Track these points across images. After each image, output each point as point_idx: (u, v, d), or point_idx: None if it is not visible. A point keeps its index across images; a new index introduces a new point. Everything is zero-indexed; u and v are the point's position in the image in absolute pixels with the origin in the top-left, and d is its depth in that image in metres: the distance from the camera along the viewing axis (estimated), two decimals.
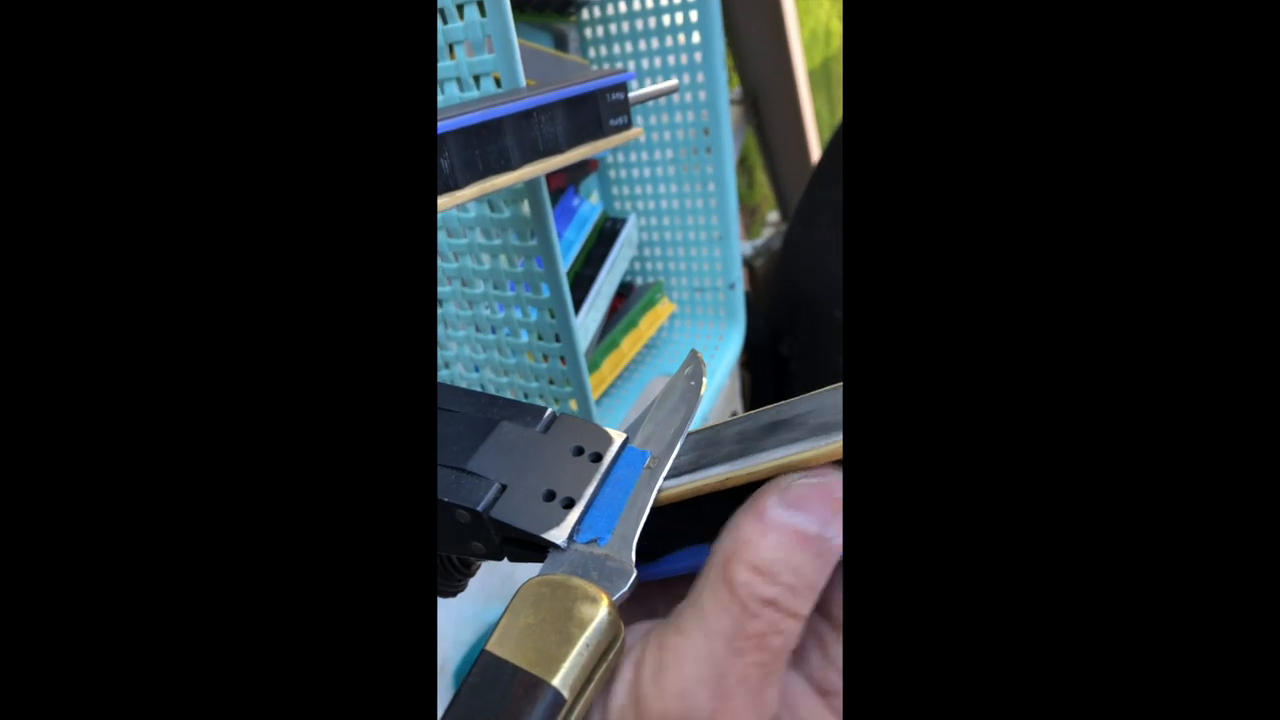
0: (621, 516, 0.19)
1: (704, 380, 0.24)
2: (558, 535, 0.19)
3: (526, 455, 0.21)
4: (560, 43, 0.56)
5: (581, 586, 0.17)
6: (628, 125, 0.34)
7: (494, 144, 0.28)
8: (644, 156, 0.64)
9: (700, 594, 0.17)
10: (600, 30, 0.59)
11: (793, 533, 0.16)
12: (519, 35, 0.32)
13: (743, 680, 0.15)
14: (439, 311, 0.44)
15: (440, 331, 0.45)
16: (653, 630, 0.18)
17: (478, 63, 0.33)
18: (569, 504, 0.20)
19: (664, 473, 0.21)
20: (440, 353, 0.46)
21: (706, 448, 0.20)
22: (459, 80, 0.34)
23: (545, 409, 0.22)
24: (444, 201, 0.27)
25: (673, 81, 0.38)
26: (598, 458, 0.21)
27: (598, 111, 0.32)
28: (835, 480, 0.17)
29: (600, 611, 0.17)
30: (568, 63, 0.52)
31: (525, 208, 0.36)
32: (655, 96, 0.37)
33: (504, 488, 0.20)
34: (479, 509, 0.19)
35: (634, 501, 0.20)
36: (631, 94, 0.35)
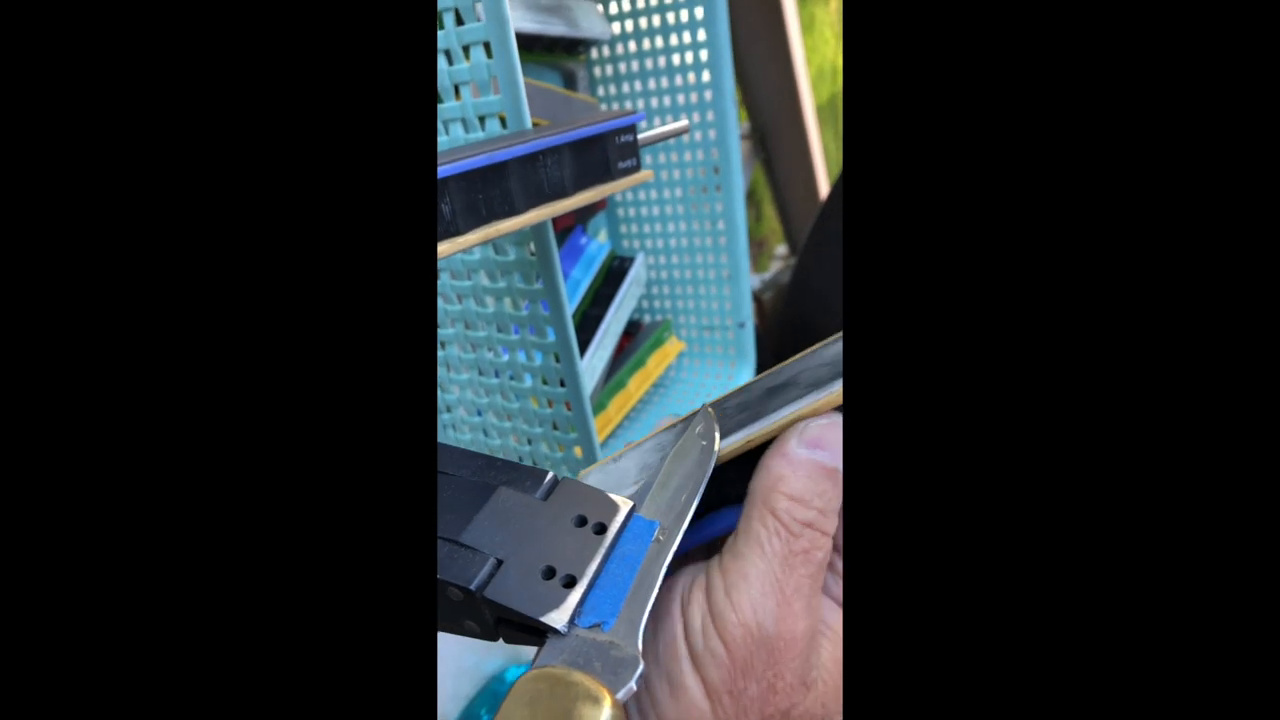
0: (627, 598, 0.18)
1: (717, 439, 0.22)
2: (557, 619, 0.17)
3: (525, 526, 0.19)
4: (569, 81, 0.56)
5: (582, 683, 0.15)
6: (637, 167, 0.33)
7: (498, 188, 0.27)
8: (653, 194, 0.64)
9: (750, 524, 0.20)
10: (609, 69, 0.59)
11: (816, 466, 0.19)
12: (527, 74, 0.31)
13: (798, 590, 0.18)
14: (441, 354, 0.43)
15: (443, 374, 0.44)
16: (710, 563, 0.20)
17: (484, 104, 0.32)
18: (570, 582, 0.18)
19: (674, 546, 0.19)
20: (442, 396, 0.45)
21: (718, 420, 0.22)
22: (464, 121, 0.34)
23: (546, 473, 0.21)
24: (444, 248, 0.26)
25: (683, 122, 0.37)
26: (602, 529, 0.19)
27: (606, 154, 0.32)
28: (840, 421, 0.20)
29: (603, 714, 0.15)
30: (576, 102, 0.51)
31: (530, 250, 0.35)
32: (665, 138, 0.36)
33: (500, 563, 0.18)
34: (472, 588, 0.18)
35: (641, 580, 0.18)
36: (641, 135, 0.34)
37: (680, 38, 0.55)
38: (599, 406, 0.59)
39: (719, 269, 0.64)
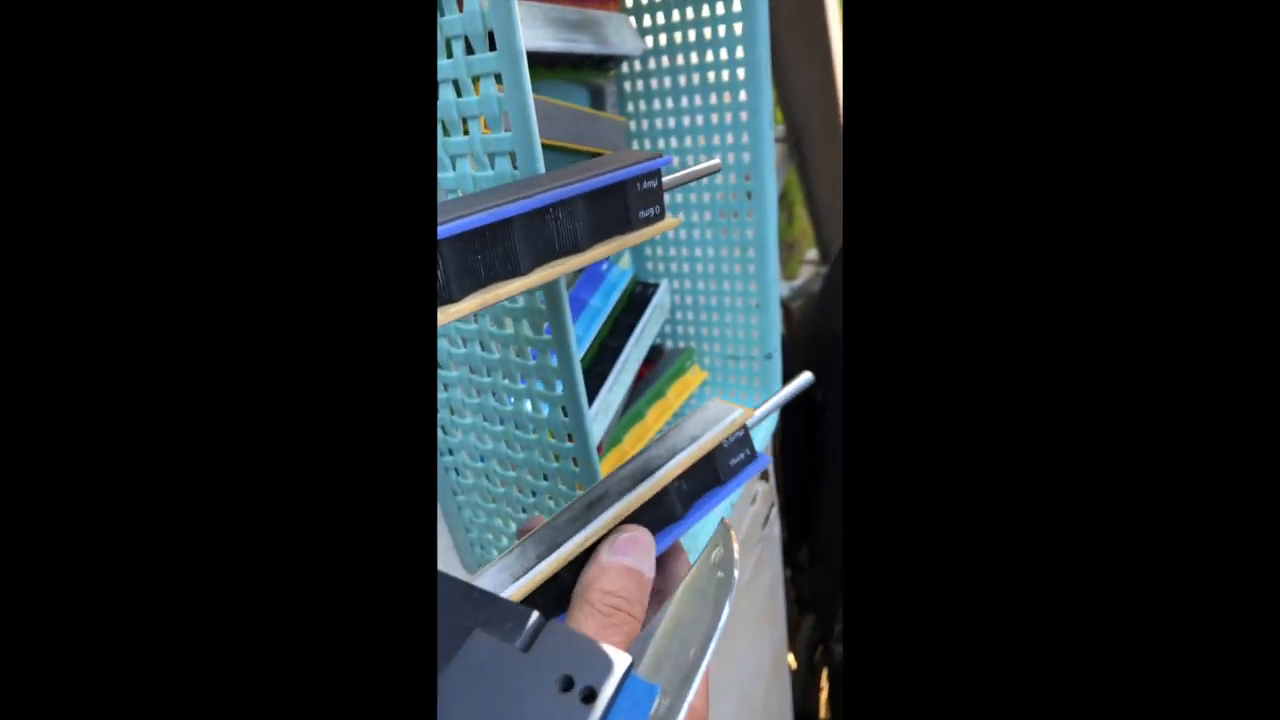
0: None
1: (735, 566, 0.19)
2: None
3: (499, 689, 0.16)
4: (597, 99, 0.53)
5: None
6: (660, 215, 0.30)
7: (500, 247, 0.24)
8: (680, 217, 0.60)
9: (573, 613, 0.24)
10: (640, 85, 0.56)
11: (620, 567, 0.25)
12: (552, 92, 0.28)
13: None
14: (444, 396, 0.40)
15: (445, 416, 0.41)
16: None
17: (493, 140, 0.29)
18: None
19: (681, 714, 0.16)
20: (445, 439, 0.42)
21: (550, 535, 0.27)
22: (472, 157, 0.31)
23: (530, 614, 0.18)
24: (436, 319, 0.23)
25: (714, 161, 0.33)
26: (590, 696, 0.16)
27: (626, 203, 0.28)
28: (642, 532, 0.27)
29: None
30: (603, 122, 0.48)
31: (540, 299, 0.32)
32: (695, 179, 0.33)
33: None
34: None
35: None
36: (667, 178, 0.31)
37: (717, 54, 0.52)
38: (614, 440, 0.56)
39: (747, 297, 0.61)
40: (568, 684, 0.16)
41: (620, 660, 0.17)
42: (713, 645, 0.17)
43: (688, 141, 0.56)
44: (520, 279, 0.25)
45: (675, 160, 0.57)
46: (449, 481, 0.44)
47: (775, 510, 1.35)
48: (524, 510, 0.41)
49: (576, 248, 0.27)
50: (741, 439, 0.31)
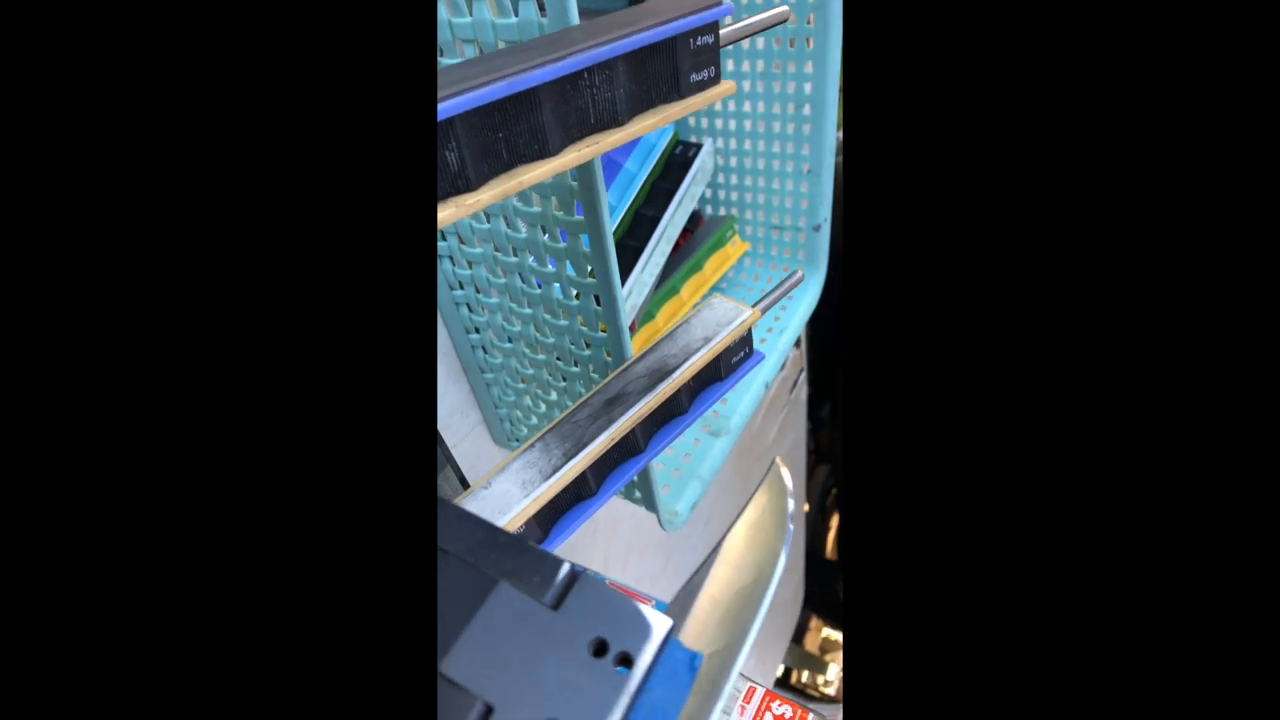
0: None
1: (791, 517, 0.17)
2: None
3: (526, 649, 0.15)
4: None
5: None
6: (715, 79, 0.25)
7: (525, 123, 0.20)
8: (729, 65, 0.53)
9: None
10: None
11: None
12: None
13: None
14: (468, 273, 0.37)
15: (469, 294, 0.38)
16: None
17: None
18: None
19: (724, 692, 0.15)
20: (469, 316, 0.40)
21: (573, 432, 0.28)
22: (493, 0, 0.26)
23: (561, 564, 0.16)
24: (448, 212, 0.19)
25: (781, 9, 0.28)
26: (627, 661, 0.15)
27: (675, 64, 0.23)
28: None
29: None
30: None
31: (571, 174, 0.28)
32: (758, 31, 0.27)
33: (489, 711, 0.14)
34: None
35: None
36: (725, 30, 0.25)
37: None
38: (647, 316, 0.53)
39: (799, 160, 0.55)
40: (600, 648, 0.15)
41: (660, 624, 0.15)
42: (767, 602, 0.16)
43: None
44: (549, 161, 0.21)
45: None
46: (476, 359, 0.42)
47: (804, 376, 1.34)
48: (554, 394, 0.40)
49: (615, 121, 0.23)
50: (744, 338, 0.32)
